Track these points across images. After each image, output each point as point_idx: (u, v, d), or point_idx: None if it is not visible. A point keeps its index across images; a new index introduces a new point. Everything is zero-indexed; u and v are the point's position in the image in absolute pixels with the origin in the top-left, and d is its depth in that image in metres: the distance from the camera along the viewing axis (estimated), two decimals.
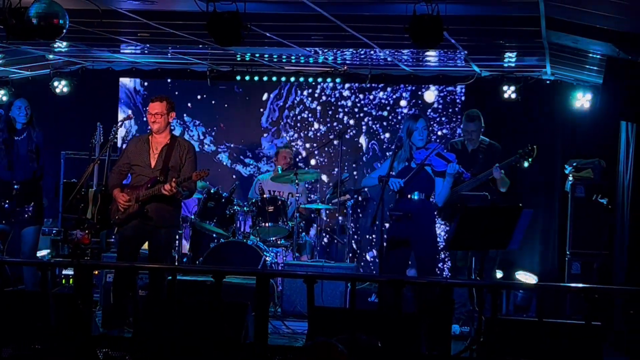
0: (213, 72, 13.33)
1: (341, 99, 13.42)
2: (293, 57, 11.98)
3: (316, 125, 13.45)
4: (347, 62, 12.41)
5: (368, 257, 13.17)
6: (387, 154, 11.93)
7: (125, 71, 13.72)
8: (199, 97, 13.78)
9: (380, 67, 12.68)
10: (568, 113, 12.17)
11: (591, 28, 8.26)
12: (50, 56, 12.70)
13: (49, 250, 11.82)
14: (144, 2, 8.59)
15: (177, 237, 9.52)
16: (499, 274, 11.72)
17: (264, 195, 11.38)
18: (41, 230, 10.13)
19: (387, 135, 13.20)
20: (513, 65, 11.75)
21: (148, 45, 11.47)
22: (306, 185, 12.39)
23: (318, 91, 13.51)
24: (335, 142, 12.63)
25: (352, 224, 12.30)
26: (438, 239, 9.56)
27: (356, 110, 13.25)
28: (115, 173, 9.25)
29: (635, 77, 8.18)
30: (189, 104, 13.69)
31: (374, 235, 12.88)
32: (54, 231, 11.95)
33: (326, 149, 13.38)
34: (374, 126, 13.25)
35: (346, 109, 13.31)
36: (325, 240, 12.58)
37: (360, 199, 12.67)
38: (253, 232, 11.30)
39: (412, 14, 7.79)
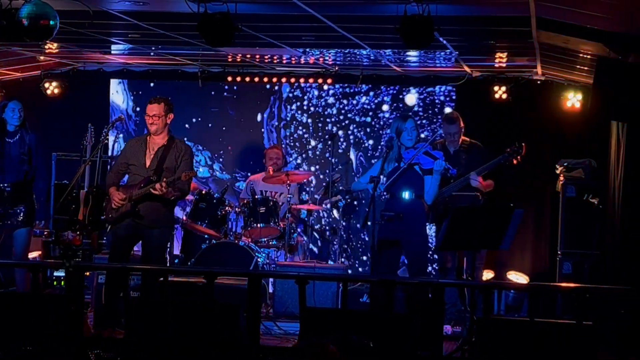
0: (204, 73, 13.33)
1: (327, 107, 13.40)
2: (287, 57, 11.98)
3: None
4: (338, 62, 12.42)
5: (359, 258, 13.17)
6: (373, 161, 11.87)
7: (116, 72, 13.70)
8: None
9: (371, 68, 12.69)
10: (559, 113, 12.18)
11: (581, 28, 8.28)
12: (41, 57, 12.68)
13: (39, 252, 11.80)
14: (135, 3, 8.59)
15: (170, 237, 9.50)
16: (491, 275, 11.75)
17: (256, 196, 11.37)
18: (33, 232, 10.11)
19: (371, 142, 13.19)
20: (504, 65, 11.77)
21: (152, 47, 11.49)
22: (298, 186, 12.39)
23: (306, 102, 13.47)
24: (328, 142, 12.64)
25: (343, 225, 12.29)
26: (429, 239, 9.55)
27: (341, 117, 13.21)
28: (112, 172, 9.34)
29: (625, 77, 8.20)
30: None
31: (365, 236, 12.88)
32: (45, 233, 11.93)
33: (318, 152, 13.38)
34: (358, 134, 13.23)
35: (333, 118, 13.25)
36: (317, 241, 12.57)
37: (349, 199, 12.66)
38: (245, 233, 11.30)
39: (402, 15, 7.80)
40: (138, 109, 13.79)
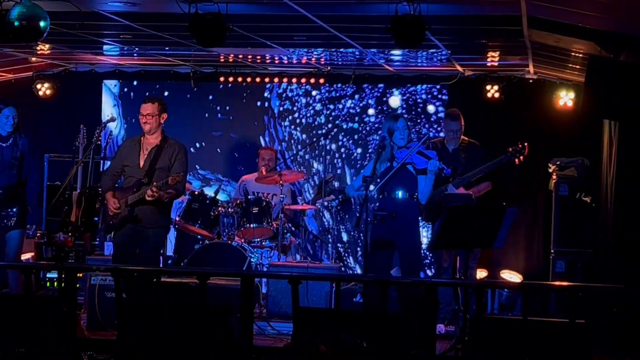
0: (196, 73, 13.32)
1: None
2: (279, 56, 11.97)
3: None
4: (330, 62, 12.42)
5: (352, 258, 13.16)
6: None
7: (108, 73, 13.68)
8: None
9: (364, 67, 12.70)
10: (551, 112, 12.19)
11: (573, 27, 8.28)
12: (33, 59, 12.66)
13: (32, 254, 11.78)
14: (126, 4, 8.58)
15: (165, 238, 9.50)
16: (484, 274, 11.75)
17: (249, 196, 11.36)
18: (25, 234, 10.09)
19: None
20: (496, 64, 11.78)
21: (135, 47, 11.46)
22: (290, 187, 12.38)
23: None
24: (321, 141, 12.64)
25: (336, 225, 12.29)
26: (422, 238, 9.55)
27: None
28: (108, 175, 9.37)
29: (617, 76, 8.21)
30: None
31: (358, 234, 12.87)
32: (37, 234, 11.90)
33: (314, 151, 13.38)
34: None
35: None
36: (310, 241, 12.56)
37: (342, 198, 12.65)
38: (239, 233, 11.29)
39: (394, 14, 7.80)
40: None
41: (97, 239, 11.66)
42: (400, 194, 8.91)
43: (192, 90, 13.43)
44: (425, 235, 11.91)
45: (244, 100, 13.59)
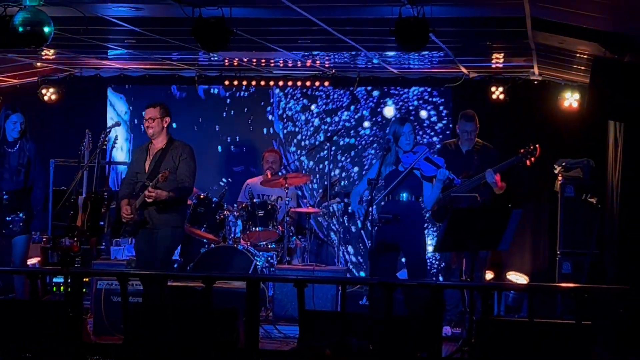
0: (201, 77, 13.33)
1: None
2: (284, 60, 11.98)
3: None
4: (336, 65, 12.42)
5: (358, 261, 13.16)
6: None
7: (113, 78, 13.69)
8: (222, 181, 13.67)
9: (368, 69, 12.70)
10: (556, 113, 12.18)
11: (577, 28, 8.28)
12: (38, 64, 12.68)
13: (38, 259, 11.79)
14: (130, 9, 8.59)
15: (177, 239, 9.51)
16: (490, 275, 11.73)
17: (254, 200, 11.36)
18: (31, 239, 10.11)
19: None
20: (500, 66, 11.77)
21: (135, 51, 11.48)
22: (296, 190, 12.39)
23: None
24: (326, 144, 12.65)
25: (342, 227, 12.28)
26: (427, 240, 9.54)
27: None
28: (124, 184, 9.50)
29: (622, 77, 8.20)
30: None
31: (363, 237, 12.87)
32: (43, 239, 11.92)
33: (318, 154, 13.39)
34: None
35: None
36: (316, 244, 12.56)
37: (347, 201, 12.64)
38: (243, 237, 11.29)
39: (397, 17, 7.80)
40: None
41: (103, 244, 11.67)
42: (405, 196, 8.91)
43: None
44: (430, 239, 11.91)
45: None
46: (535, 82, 12.43)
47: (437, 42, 9.65)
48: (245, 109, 13.57)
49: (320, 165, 13.36)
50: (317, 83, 13.09)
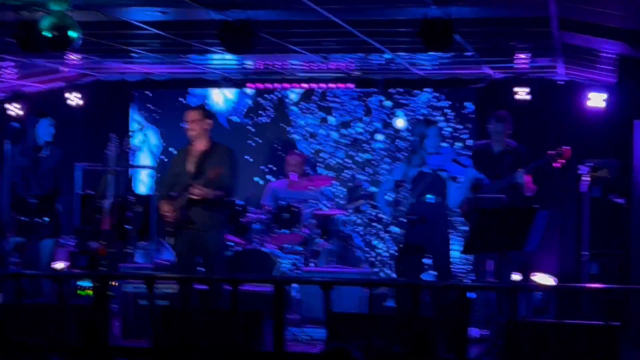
0: (226, 80, 13.36)
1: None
2: (309, 62, 11.98)
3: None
4: (360, 67, 12.41)
5: (384, 262, 13.14)
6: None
7: (138, 82, 13.74)
8: None
9: (393, 71, 12.68)
10: (582, 113, 12.11)
11: (603, 27, 8.24)
12: (64, 69, 12.73)
13: (67, 263, 11.83)
14: (156, 13, 8.62)
15: (223, 238, 9.55)
16: (517, 277, 11.68)
17: (279, 203, 11.37)
18: (58, 242, 10.17)
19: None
20: (525, 66, 11.72)
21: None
22: (321, 192, 12.38)
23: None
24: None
25: (367, 229, 12.28)
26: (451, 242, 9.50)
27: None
28: (163, 187, 9.54)
29: None
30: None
31: (388, 238, 12.85)
32: (71, 243, 11.97)
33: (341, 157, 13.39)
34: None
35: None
36: (341, 246, 12.54)
37: (373, 203, 12.63)
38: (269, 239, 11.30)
39: (423, 18, 7.79)
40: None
41: (130, 247, 11.70)
42: (431, 198, 8.89)
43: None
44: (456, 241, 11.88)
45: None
46: (561, 83, 12.38)
47: (462, 42, 9.63)
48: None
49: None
50: (341, 85, 13.08)
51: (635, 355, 8.57)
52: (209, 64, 12.27)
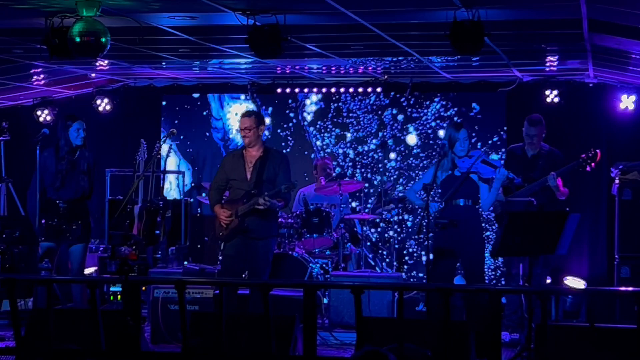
0: (254, 85, 13.38)
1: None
2: (336, 66, 11.99)
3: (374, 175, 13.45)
4: (388, 71, 12.40)
5: (414, 266, 13.11)
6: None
7: (166, 87, 13.79)
8: None
9: (421, 75, 12.65)
10: (612, 115, 12.06)
11: (634, 29, 8.18)
12: (93, 75, 12.79)
13: (95, 268, 11.89)
14: (184, 18, 8.64)
15: (274, 247, 9.58)
16: (548, 280, 11.63)
17: (308, 207, 11.38)
18: (88, 247, 10.21)
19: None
20: (555, 69, 11.67)
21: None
22: (349, 197, 12.38)
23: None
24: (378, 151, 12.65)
25: (397, 233, 12.26)
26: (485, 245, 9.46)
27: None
28: (213, 190, 9.48)
29: None
30: None
31: (419, 243, 12.82)
32: (101, 248, 12.02)
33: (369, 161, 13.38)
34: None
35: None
36: (371, 250, 12.53)
37: (402, 207, 12.60)
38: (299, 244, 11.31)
39: (452, 21, 7.76)
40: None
41: (159, 252, 11.74)
42: (461, 201, 8.86)
43: None
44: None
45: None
46: (591, 85, 12.32)
47: (492, 45, 9.59)
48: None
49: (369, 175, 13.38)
50: (369, 89, 13.07)
51: None
52: (238, 69, 12.29)
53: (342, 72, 12.43)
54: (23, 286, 10.31)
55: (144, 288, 10.37)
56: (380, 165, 12.90)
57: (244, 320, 7.65)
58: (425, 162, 13.11)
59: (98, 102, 13.44)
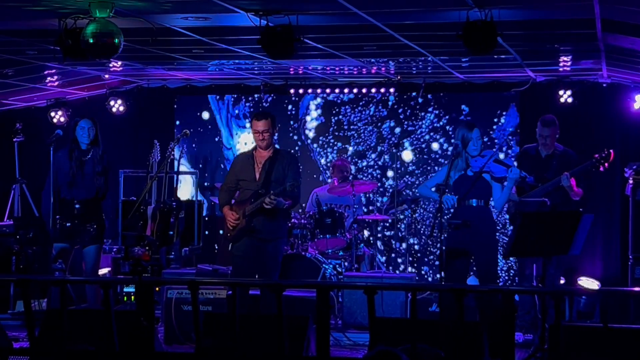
0: (267, 86, 13.39)
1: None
2: (349, 67, 11.99)
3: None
4: (401, 71, 12.39)
5: (427, 267, 13.10)
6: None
7: (180, 88, 13.81)
8: None
9: (434, 75, 12.64)
10: (626, 115, 12.03)
11: None
12: (106, 76, 12.82)
13: (109, 269, 11.91)
14: (198, 19, 8.65)
15: (283, 248, 9.59)
16: (561, 281, 11.61)
17: (322, 208, 11.38)
18: (102, 248, 10.23)
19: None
20: (569, 69, 11.64)
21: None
22: (362, 197, 12.38)
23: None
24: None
25: (410, 234, 12.24)
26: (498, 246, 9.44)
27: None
28: (223, 191, 9.50)
29: None
30: None
31: (432, 243, 12.81)
32: (114, 249, 12.04)
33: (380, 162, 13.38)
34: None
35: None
36: (384, 251, 12.52)
37: (415, 207, 12.58)
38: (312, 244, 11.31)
39: (465, 21, 7.74)
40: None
41: (173, 253, 11.75)
42: (474, 202, 8.84)
43: None
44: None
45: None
46: (604, 85, 12.29)
47: (505, 45, 9.57)
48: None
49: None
50: (382, 90, 13.08)
51: None
52: (251, 69, 12.31)
53: (355, 72, 12.43)
54: (37, 287, 10.32)
55: (157, 289, 10.39)
56: (395, 165, 12.88)
57: (257, 321, 7.66)
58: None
59: (112, 103, 13.47)
